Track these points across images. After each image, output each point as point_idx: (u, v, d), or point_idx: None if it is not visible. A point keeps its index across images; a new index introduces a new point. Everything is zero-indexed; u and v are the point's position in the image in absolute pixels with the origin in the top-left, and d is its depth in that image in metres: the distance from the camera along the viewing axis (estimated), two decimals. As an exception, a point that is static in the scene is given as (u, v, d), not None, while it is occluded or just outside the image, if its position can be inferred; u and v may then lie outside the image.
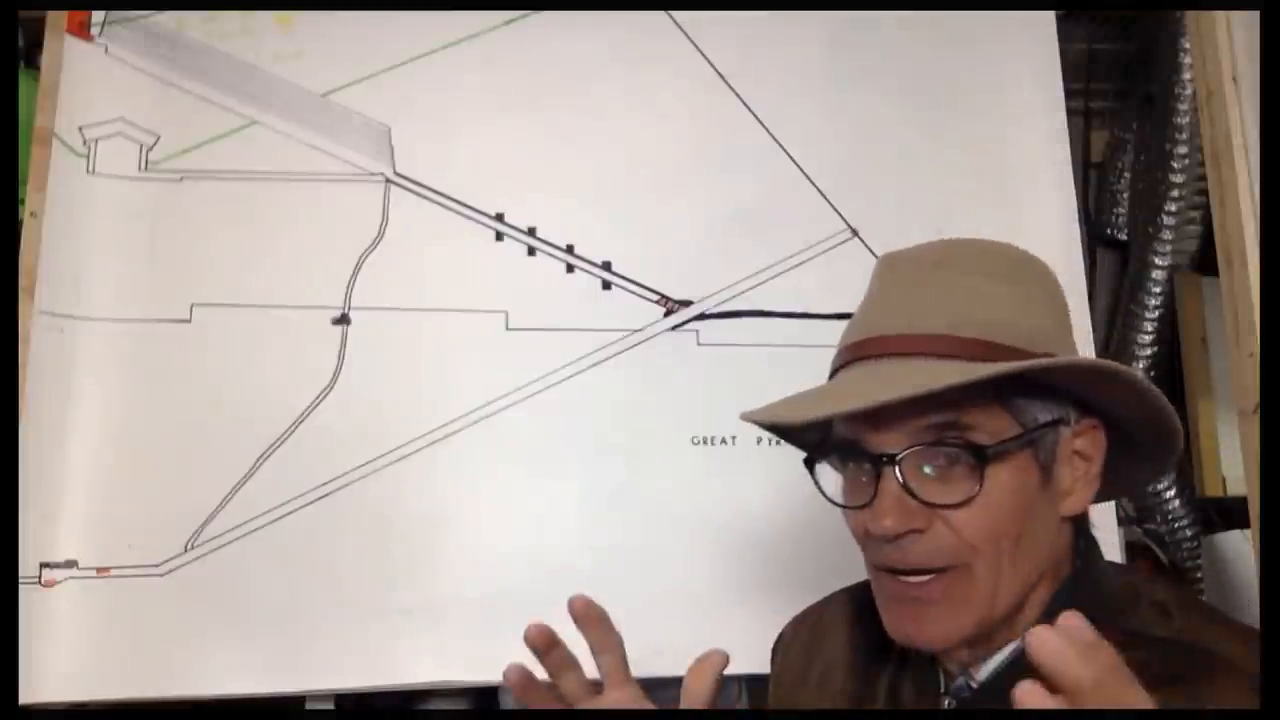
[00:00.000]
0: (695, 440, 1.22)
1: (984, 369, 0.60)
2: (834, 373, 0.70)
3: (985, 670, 0.65)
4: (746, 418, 0.72)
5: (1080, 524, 0.67)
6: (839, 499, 0.68)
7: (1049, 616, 0.61)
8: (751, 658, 1.16)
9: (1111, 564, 0.69)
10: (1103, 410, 0.66)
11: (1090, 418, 0.65)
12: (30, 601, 1.07)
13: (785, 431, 0.77)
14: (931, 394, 0.59)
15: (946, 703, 0.66)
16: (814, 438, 0.71)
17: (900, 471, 0.62)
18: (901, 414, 0.61)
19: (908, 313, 0.65)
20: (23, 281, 1.13)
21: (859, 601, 0.76)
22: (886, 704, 0.70)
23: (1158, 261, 1.55)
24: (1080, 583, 0.65)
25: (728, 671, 1.04)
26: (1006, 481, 0.62)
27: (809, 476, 0.70)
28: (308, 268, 1.20)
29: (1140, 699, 0.48)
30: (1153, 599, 0.64)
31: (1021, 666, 0.57)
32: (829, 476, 0.69)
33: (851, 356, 0.67)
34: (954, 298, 0.64)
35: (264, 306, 1.19)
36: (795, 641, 0.83)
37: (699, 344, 1.24)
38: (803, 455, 0.71)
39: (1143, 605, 0.63)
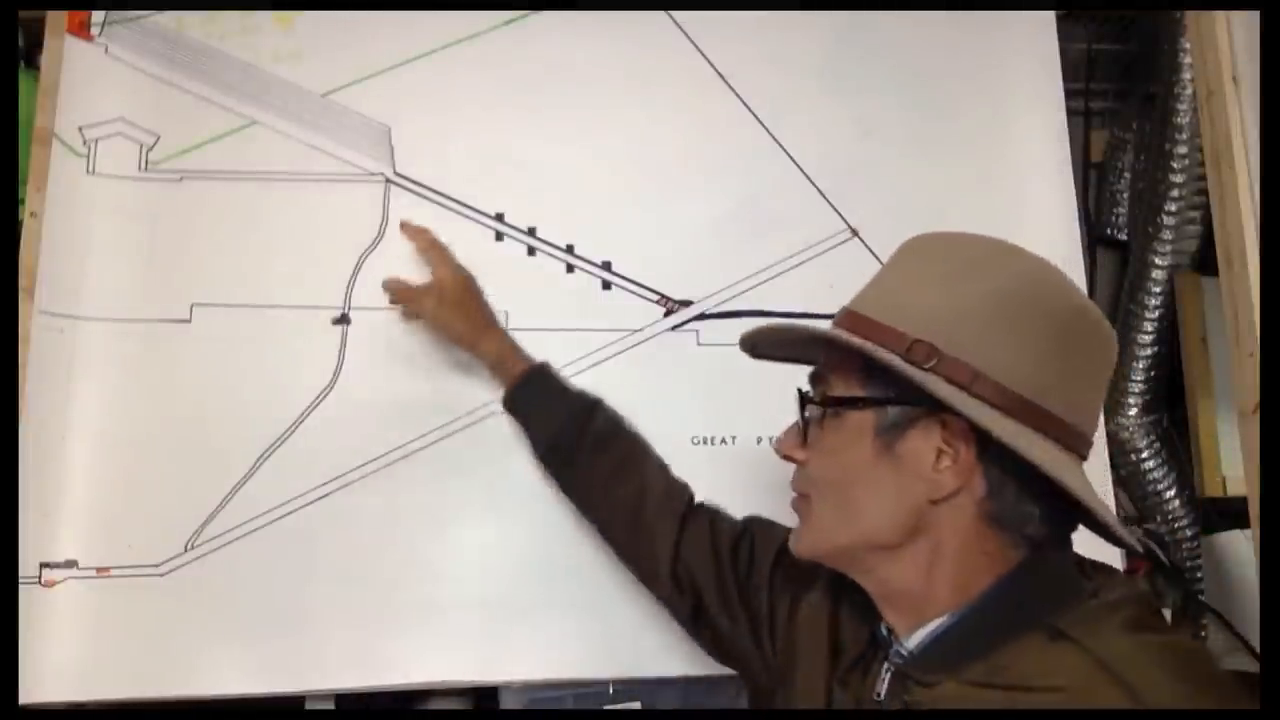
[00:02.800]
0: (695, 440, 1.22)
1: (816, 331, 0.76)
2: None
3: (914, 640, 0.72)
4: (746, 335, 0.86)
5: (1027, 521, 0.70)
6: None
7: (995, 593, 0.69)
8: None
9: (1089, 562, 0.72)
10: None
11: (962, 419, 0.68)
12: (30, 601, 1.07)
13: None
14: (784, 340, 0.82)
15: (886, 666, 0.74)
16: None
17: (803, 410, 0.77)
18: (822, 370, 0.78)
19: (866, 292, 0.77)
20: (23, 281, 1.14)
21: None
22: (859, 657, 0.78)
23: (1158, 261, 1.55)
24: (1032, 569, 0.70)
25: (728, 671, 1.07)
26: (835, 436, 0.74)
27: None
28: (308, 268, 1.20)
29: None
30: (1094, 602, 0.67)
31: (943, 639, 0.70)
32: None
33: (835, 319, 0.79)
34: (892, 284, 0.76)
35: (264, 306, 1.19)
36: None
37: (699, 344, 1.24)
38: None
39: (1082, 606, 0.67)
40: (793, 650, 0.85)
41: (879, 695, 0.73)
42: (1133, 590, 0.70)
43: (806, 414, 0.77)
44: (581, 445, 1.05)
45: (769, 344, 0.84)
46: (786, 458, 0.78)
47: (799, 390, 0.78)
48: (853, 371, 0.74)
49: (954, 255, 0.74)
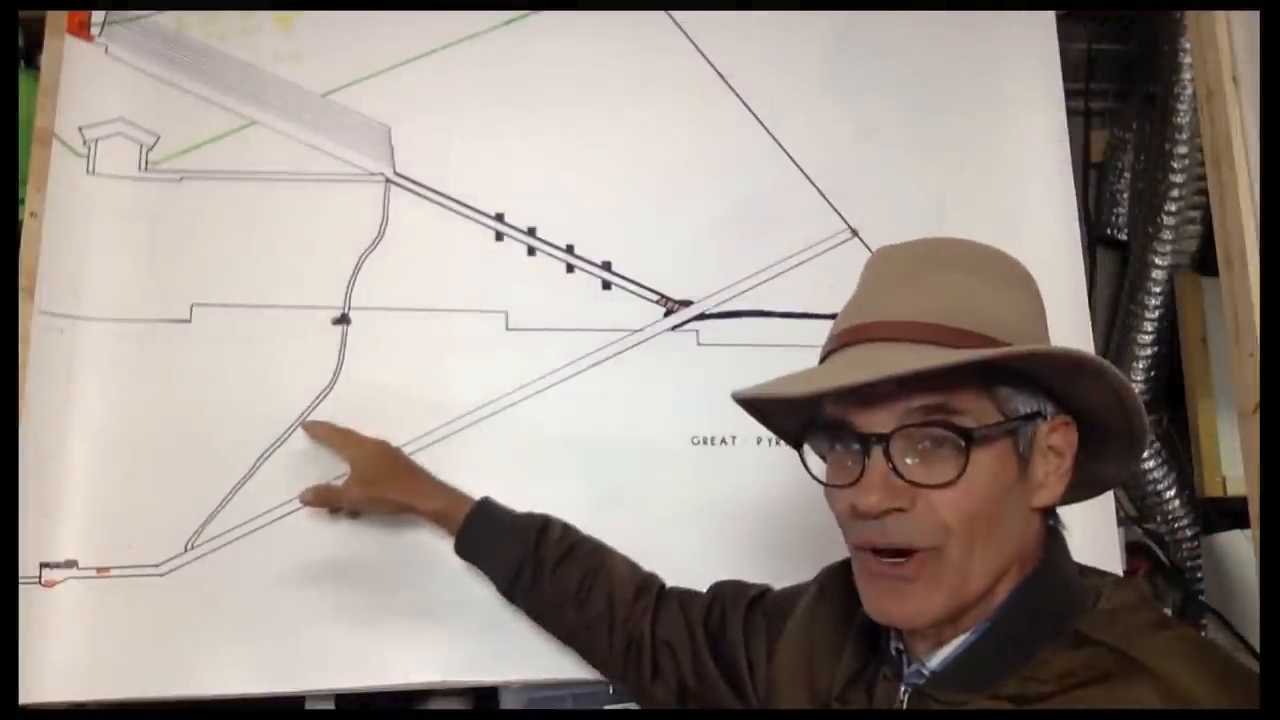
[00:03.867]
0: (695, 440, 1.22)
1: (973, 354, 0.63)
2: (824, 358, 0.73)
3: (937, 658, 0.68)
4: (738, 395, 0.75)
5: (1049, 520, 0.70)
6: (824, 480, 0.71)
7: (1015, 607, 0.67)
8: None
9: (1080, 566, 0.72)
10: (1074, 407, 0.69)
11: (1064, 414, 0.68)
12: (30, 601, 1.07)
13: (769, 416, 0.80)
14: (921, 375, 0.62)
15: (903, 688, 0.70)
16: (796, 425, 0.74)
17: (888, 451, 0.64)
18: (891, 395, 0.65)
19: (899, 301, 0.68)
20: (23, 281, 1.13)
21: (818, 586, 0.83)
22: (854, 678, 0.74)
23: (1158, 261, 1.55)
24: (1045, 577, 0.68)
25: None
26: (987, 466, 0.65)
27: (800, 462, 0.73)
28: (308, 268, 1.20)
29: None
30: (1107, 605, 0.67)
31: (971, 656, 0.66)
32: (813, 458, 0.73)
33: (842, 342, 0.70)
34: (944, 290, 0.67)
35: (264, 306, 1.19)
36: (795, 616, 0.86)
37: (699, 344, 1.24)
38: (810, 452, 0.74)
39: (1097, 609, 0.67)
40: (774, 687, 0.83)
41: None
42: (1138, 591, 0.70)
43: (926, 449, 0.65)
44: (541, 569, 1.01)
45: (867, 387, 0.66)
46: (886, 512, 0.65)
47: (930, 428, 0.64)
48: (978, 390, 0.65)
49: (975, 259, 0.71)
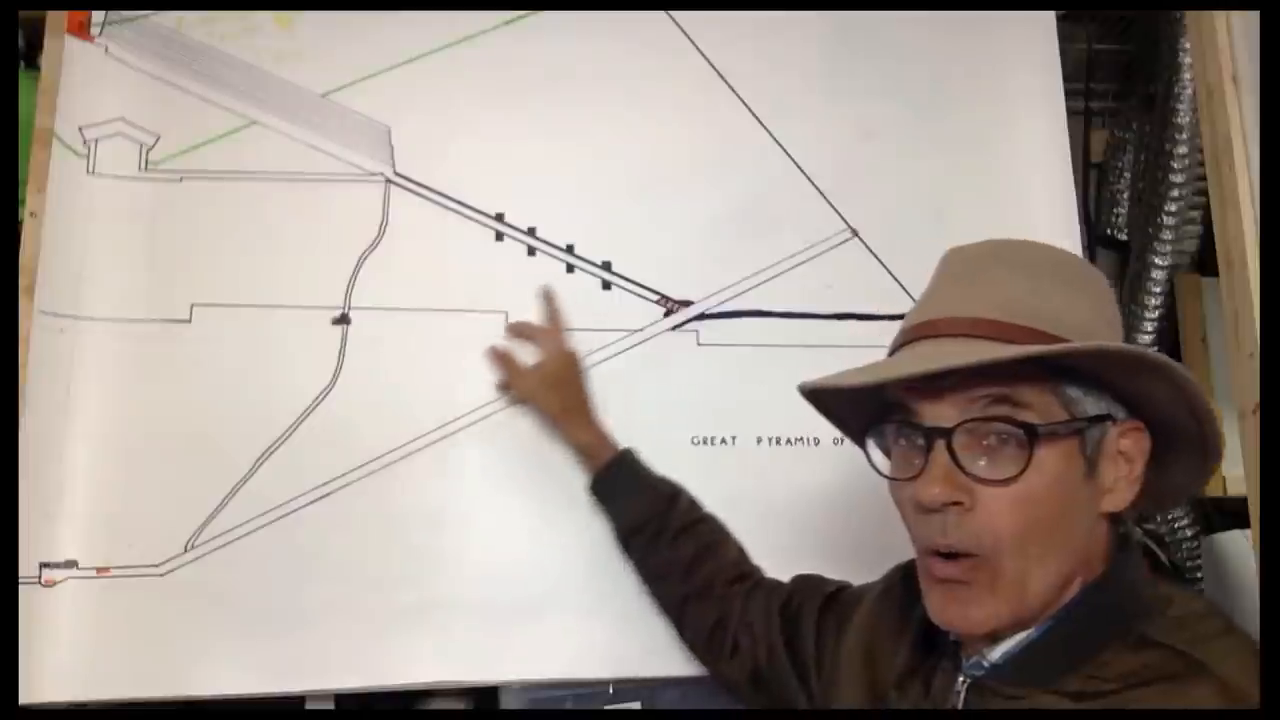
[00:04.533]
0: (695, 440, 1.22)
1: (1033, 348, 0.63)
2: (892, 352, 0.74)
3: (999, 651, 0.68)
4: (803, 386, 0.76)
5: (1119, 526, 0.70)
6: (888, 473, 0.72)
7: (1079, 608, 0.66)
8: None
9: (1155, 578, 0.71)
10: (1145, 413, 0.68)
11: (1135, 419, 0.67)
12: (30, 601, 1.07)
13: (833, 410, 0.80)
14: (981, 367, 0.63)
15: (961, 678, 0.70)
16: (860, 420, 0.75)
17: (951, 444, 0.64)
18: (956, 388, 0.65)
19: (965, 299, 0.69)
20: (23, 281, 1.13)
21: (885, 583, 0.85)
22: (912, 667, 0.75)
23: (1158, 261, 1.55)
24: (1113, 581, 0.68)
25: None
26: (1051, 465, 0.64)
27: (868, 463, 0.74)
28: (308, 268, 1.20)
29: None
30: (1176, 613, 0.67)
31: (1032, 652, 0.65)
32: (876, 454, 0.74)
33: (908, 338, 0.71)
34: (1010, 288, 0.68)
35: (264, 306, 1.19)
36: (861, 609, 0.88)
37: (699, 344, 1.24)
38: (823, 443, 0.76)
39: (1165, 616, 0.66)
40: (835, 677, 0.85)
41: (955, 708, 0.71)
42: (1207, 602, 0.71)
43: (990, 445, 0.64)
44: (663, 533, 1.06)
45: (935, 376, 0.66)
46: (947, 505, 0.65)
47: (995, 422, 0.64)
48: (1045, 388, 0.65)
49: (1044, 259, 0.71)
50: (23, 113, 1.18)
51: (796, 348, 1.23)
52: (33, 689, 1.05)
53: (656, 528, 1.07)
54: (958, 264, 0.73)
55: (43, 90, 1.19)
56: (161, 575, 1.11)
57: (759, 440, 1.21)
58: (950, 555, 0.67)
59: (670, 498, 1.09)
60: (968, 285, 0.70)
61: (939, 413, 0.66)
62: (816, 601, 0.94)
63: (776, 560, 1.11)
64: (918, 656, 0.76)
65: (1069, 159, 1.36)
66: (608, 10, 1.30)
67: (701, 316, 1.25)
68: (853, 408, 0.77)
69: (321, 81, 1.25)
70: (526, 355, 1.18)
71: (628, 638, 1.15)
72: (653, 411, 1.21)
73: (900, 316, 1.27)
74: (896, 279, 1.29)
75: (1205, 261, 1.52)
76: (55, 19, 1.21)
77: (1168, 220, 1.53)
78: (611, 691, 1.15)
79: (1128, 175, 1.66)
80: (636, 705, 1.16)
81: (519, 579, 1.15)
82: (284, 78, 1.25)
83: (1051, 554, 0.65)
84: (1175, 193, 1.52)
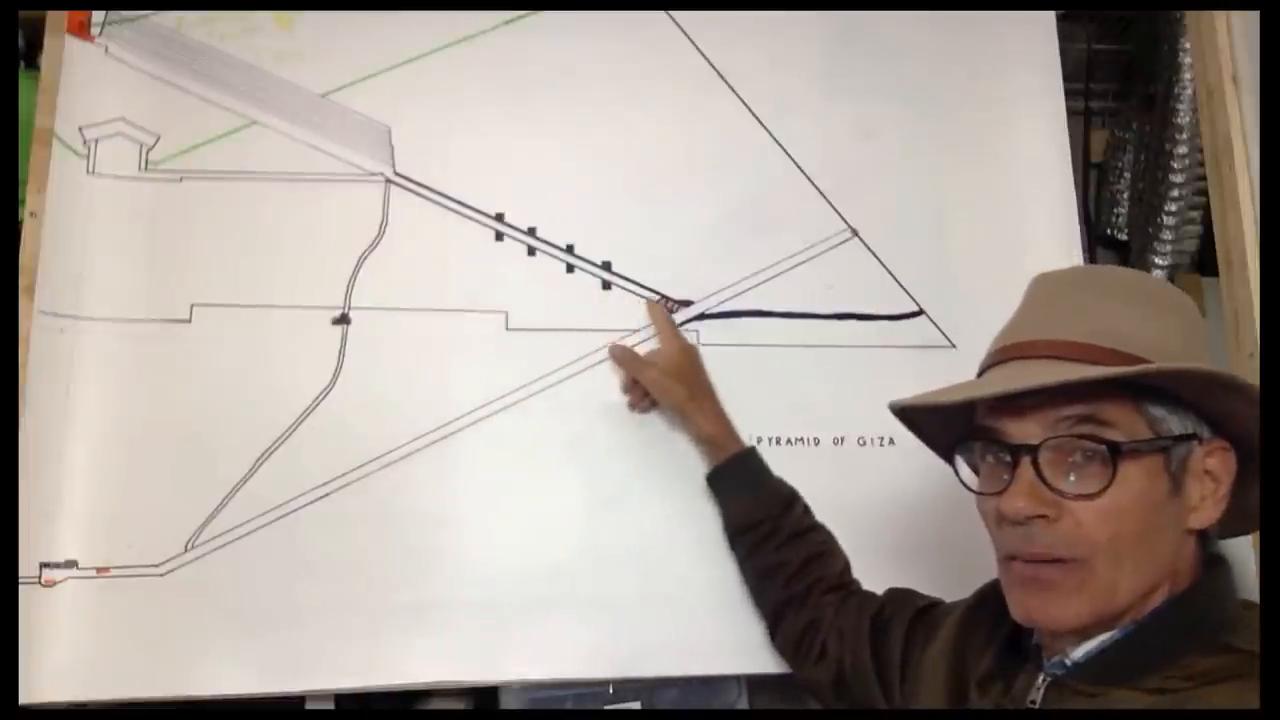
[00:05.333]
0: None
1: (1116, 370, 0.67)
2: (981, 373, 0.77)
3: (1082, 650, 0.71)
4: (894, 405, 0.81)
5: (1208, 544, 0.72)
6: (975, 488, 0.75)
7: (1166, 615, 0.69)
8: (751, 658, 1.17)
9: (1247, 600, 0.73)
10: (1231, 432, 0.70)
11: (1221, 439, 0.69)
12: (30, 601, 1.07)
13: (923, 428, 0.84)
14: (1069, 386, 0.66)
15: (1042, 677, 0.72)
16: (949, 437, 0.80)
17: (1036, 460, 0.68)
18: (1042, 407, 0.68)
19: (1053, 322, 0.72)
20: (23, 281, 1.13)
21: (978, 594, 0.86)
22: (994, 671, 0.77)
23: (1158, 261, 1.55)
24: (1202, 594, 0.70)
25: (728, 671, 1.10)
26: (1135, 481, 0.67)
27: (958, 472, 0.78)
28: (308, 268, 1.20)
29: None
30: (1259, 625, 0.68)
31: (1115, 651, 0.69)
32: (965, 470, 0.77)
33: (998, 359, 0.75)
34: (1095, 313, 0.71)
35: (264, 306, 1.19)
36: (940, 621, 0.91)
37: (699, 344, 1.24)
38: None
39: (1250, 629, 0.68)
40: (919, 682, 0.87)
41: (1034, 704, 0.73)
42: None
43: (1082, 458, 0.68)
44: (773, 536, 1.08)
45: (1019, 395, 0.69)
46: (1031, 518, 0.68)
47: (1019, 445, 0.68)
48: (1129, 408, 0.68)
49: (1128, 285, 0.75)
50: (23, 113, 1.18)
51: (796, 348, 1.23)
52: (33, 689, 1.05)
53: (769, 529, 1.09)
54: (1046, 288, 0.76)
55: (43, 90, 1.19)
56: (161, 575, 1.11)
57: (759, 440, 1.21)
58: (1034, 561, 0.70)
59: (787, 501, 1.10)
60: (1055, 309, 0.73)
61: (1025, 430, 0.69)
62: (908, 613, 0.95)
63: (776, 560, 1.11)
64: (1003, 662, 0.78)
65: (1069, 159, 1.36)
66: (608, 10, 1.30)
67: (701, 316, 1.25)
68: (942, 425, 0.81)
69: (321, 81, 1.25)
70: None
71: (628, 638, 1.15)
72: (653, 411, 1.21)
73: (900, 316, 1.29)
74: (896, 279, 1.29)
75: (1205, 261, 1.52)
76: (55, 19, 1.21)
77: (1168, 220, 1.53)
78: (611, 691, 1.15)
79: (1128, 175, 1.66)
80: (636, 705, 1.16)
81: (519, 579, 1.15)
82: (284, 78, 1.25)
83: (1140, 564, 0.68)
84: (1175, 193, 1.52)
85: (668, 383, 1.15)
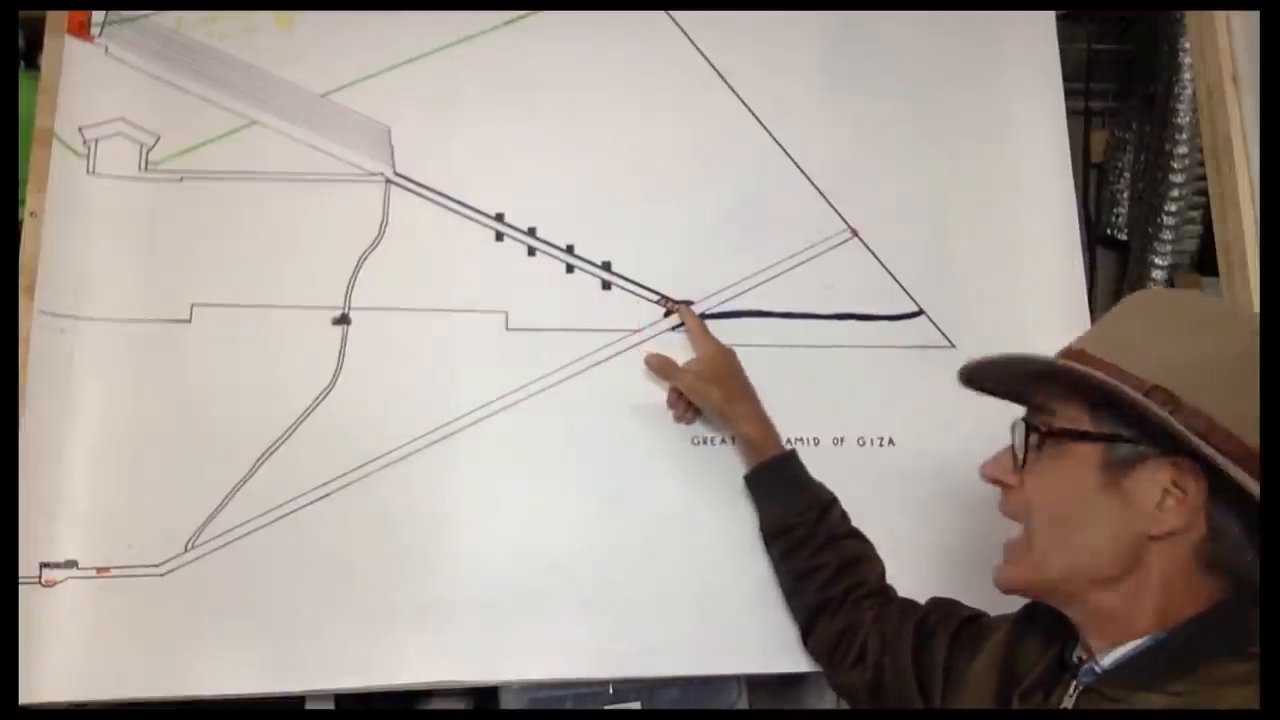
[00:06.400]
0: (695, 440, 1.22)
1: (1057, 362, 0.77)
2: None
3: (1110, 657, 0.75)
4: (964, 370, 0.88)
5: (1240, 566, 0.73)
6: None
7: (1194, 623, 0.72)
8: (751, 658, 1.17)
9: None
10: (1203, 457, 0.71)
11: (1186, 457, 0.71)
12: (30, 601, 1.07)
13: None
14: (1033, 376, 0.80)
15: (1074, 684, 0.76)
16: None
17: (1015, 433, 0.80)
18: (1035, 396, 0.81)
19: (1090, 334, 0.81)
20: (23, 281, 1.13)
21: (1026, 610, 0.89)
22: (1037, 684, 0.81)
23: (1158, 261, 1.55)
24: (1228, 606, 0.72)
25: (728, 671, 1.10)
26: (1064, 466, 0.76)
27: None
28: (308, 268, 1.20)
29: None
30: None
31: (1144, 657, 0.73)
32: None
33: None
34: (1123, 331, 0.78)
35: (264, 306, 1.19)
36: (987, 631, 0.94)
37: (699, 344, 1.24)
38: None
39: None
40: (963, 694, 0.89)
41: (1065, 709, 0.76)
42: None
43: (1029, 441, 0.78)
44: (810, 540, 1.10)
45: (993, 377, 0.84)
46: (995, 481, 0.82)
47: (1023, 420, 0.80)
48: (1082, 406, 0.76)
49: (1182, 311, 0.79)
50: (23, 113, 1.18)
51: (796, 348, 1.23)
52: (33, 689, 1.05)
53: (805, 533, 1.10)
54: (1114, 307, 0.83)
55: (43, 90, 1.19)
56: (161, 575, 1.11)
57: (759, 440, 1.21)
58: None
59: (824, 506, 1.11)
60: (1099, 324, 0.82)
61: (1028, 412, 0.81)
62: (953, 622, 0.97)
63: (776, 560, 1.11)
64: (1048, 675, 0.81)
65: (1069, 159, 1.36)
66: (608, 10, 1.30)
67: (701, 317, 1.25)
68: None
69: (321, 81, 1.25)
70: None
71: (628, 638, 1.15)
72: (653, 411, 1.21)
73: (900, 316, 1.29)
74: (896, 279, 1.29)
75: (1205, 261, 1.52)
76: (55, 19, 1.21)
77: (1168, 220, 1.53)
78: (611, 691, 1.15)
79: (1128, 175, 1.66)
80: (636, 705, 1.16)
81: (519, 579, 1.15)
82: (284, 78, 1.25)
83: (1071, 545, 0.76)
84: (1175, 193, 1.52)
85: (703, 386, 1.16)
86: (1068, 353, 0.78)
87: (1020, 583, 0.80)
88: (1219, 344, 0.75)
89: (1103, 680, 0.74)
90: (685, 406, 1.20)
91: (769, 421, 1.16)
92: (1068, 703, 0.76)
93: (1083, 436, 0.75)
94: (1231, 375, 0.73)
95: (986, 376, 0.84)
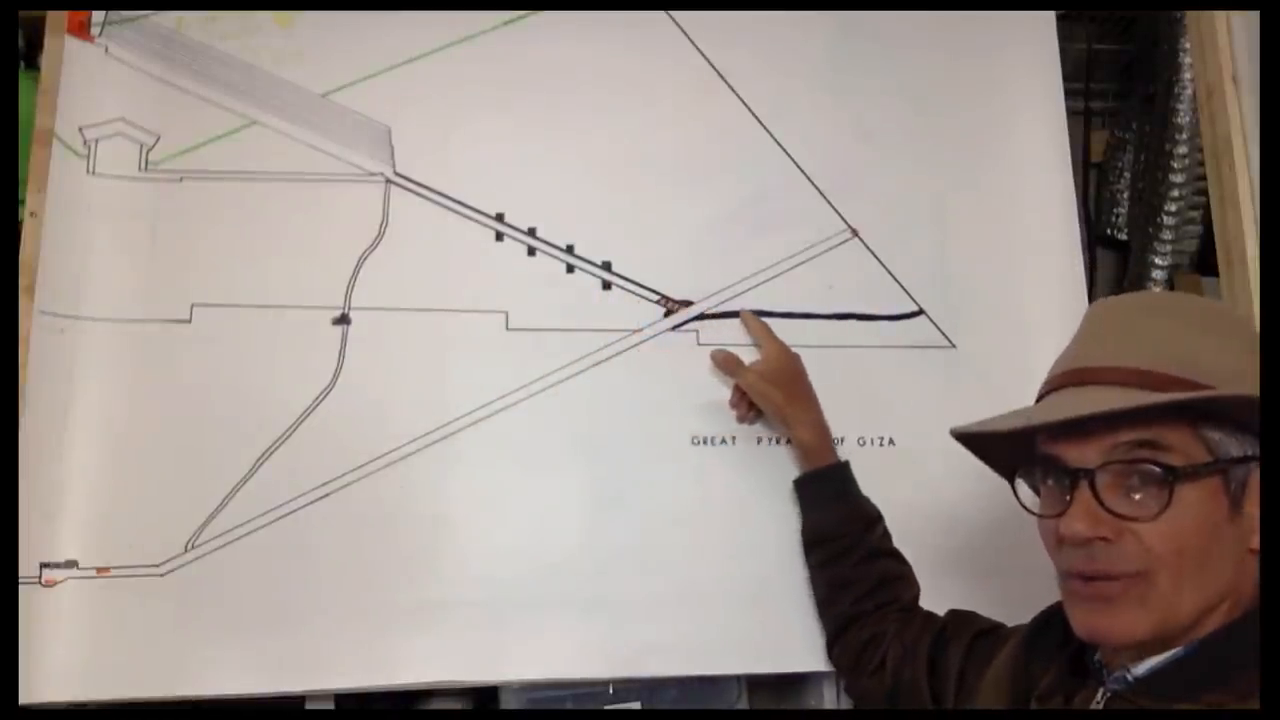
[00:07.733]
0: (695, 440, 1.22)
1: (1174, 395, 0.68)
2: (1040, 398, 0.78)
3: (1144, 666, 0.72)
4: (956, 431, 0.84)
5: None
6: (1035, 510, 0.77)
7: (1228, 632, 0.70)
8: (751, 658, 1.17)
9: None
10: None
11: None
12: (30, 601, 1.07)
13: (986, 451, 0.86)
14: (1127, 412, 0.68)
15: (1102, 691, 0.73)
16: (1009, 459, 0.81)
17: (1094, 484, 0.70)
18: (1099, 432, 0.70)
19: (1111, 348, 0.74)
20: (23, 281, 1.13)
21: (1043, 616, 0.86)
22: (1054, 688, 0.78)
23: (1158, 261, 1.55)
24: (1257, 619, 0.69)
25: (728, 671, 1.10)
26: (1193, 504, 0.68)
27: (1010, 492, 0.80)
28: (308, 268, 1.20)
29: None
30: None
31: (1178, 668, 0.70)
32: (1025, 491, 0.79)
33: (1055, 385, 0.77)
34: (1155, 338, 0.72)
35: (264, 306, 1.19)
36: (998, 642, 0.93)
37: (699, 344, 1.24)
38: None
39: None
40: (973, 700, 0.89)
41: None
42: None
43: (1149, 486, 0.69)
44: (851, 552, 1.10)
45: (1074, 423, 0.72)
46: (1100, 539, 0.70)
47: (1118, 464, 0.70)
48: (1187, 431, 0.69)
49: (1187, 309, 0.76)
50: (23, 113, 1.18)
51: (797, 348, 1.23)
52: (33, 689, 1.05)
53: (847, 545, 1.10)
54: (1105, 314, 0.78)
55: (43, 90, 1.19)
56: (161, 575, 1.11)
57: (759, 440, 1.21)
58: (1094, 579, 0.71)
59: (869, 521, 1.12)
60: (1113, 334, 0.74)
61: (1083, 455, 0.71)
62: (970, 632, 0.97)
63: (776, 560, 1.11)
64: (1064, 679, 0.79)
65: (1069, 159, 1.36)
66: (608, 10, 1.30)
67: (701, 316, 1.25)
68: (1007, 448, 0.81)
69: (321, 81, 1.25)
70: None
71: (628, 638, 1.15)
72: (653, 411, 1.21)
73: (900, 316, 1.29)
74: (896, 279, 1.29)
75: (1205, 261, 1.52)
76: (55, 19, 1.21)
77: (1168, 220, 1.53)
78: (611, 691, 1.15)
79: (1128, 175, 1.66)
80: (636, 705, 1.16)
81: (519, 579, 1.15)
82: (284, 78, 1.25)
83: (1202, 583, 0.69)
84: (1175, 193, 1.52)
85: (764, 387, 1.16)
86: (1124, 371, 0.71)
87: (1153, 633, 0.70)
88: (1237, 340, 0.74)
89: (1134, 689, 0.72)
90: (748, 406, 1.20)
91: (826, 429, 1.16)
92: (1094, 709, 0.74)
93: (1225, 465, 0.68)
94: (1255, 371, 0.72)
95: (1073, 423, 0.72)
